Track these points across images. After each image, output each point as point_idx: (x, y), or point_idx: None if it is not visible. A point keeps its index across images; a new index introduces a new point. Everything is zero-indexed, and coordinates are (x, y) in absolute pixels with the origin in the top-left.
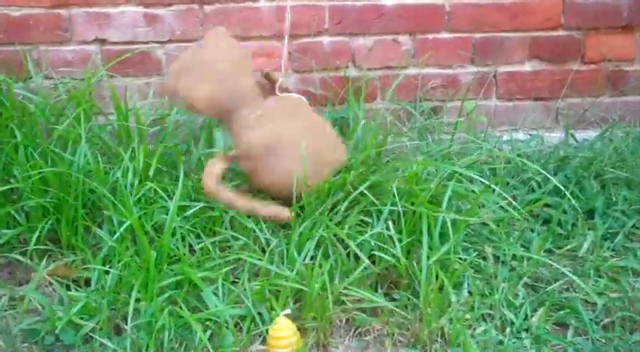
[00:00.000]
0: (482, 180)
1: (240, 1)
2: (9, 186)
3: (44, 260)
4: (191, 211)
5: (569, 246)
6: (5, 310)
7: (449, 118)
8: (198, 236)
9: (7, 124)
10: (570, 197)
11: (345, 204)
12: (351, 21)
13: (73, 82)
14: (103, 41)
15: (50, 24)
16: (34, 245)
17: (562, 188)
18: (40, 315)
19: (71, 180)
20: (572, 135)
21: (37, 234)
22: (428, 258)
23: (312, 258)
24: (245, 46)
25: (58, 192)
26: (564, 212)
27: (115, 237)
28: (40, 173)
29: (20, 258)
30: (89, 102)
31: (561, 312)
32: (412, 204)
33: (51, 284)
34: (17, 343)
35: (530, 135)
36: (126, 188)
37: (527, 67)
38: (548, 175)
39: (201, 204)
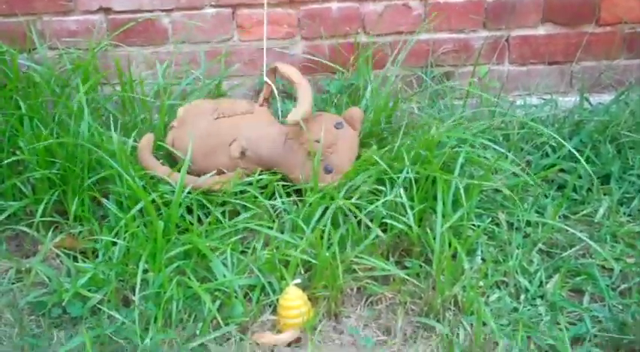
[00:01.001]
0: (495, 146)
1: None
2: (15, 158)
3: (51, 231)
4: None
5: (584, 212)
6: (12, 283)
7: (461, 84)
8: (206, 206)
9: (11, 96)
10: (585, 162)
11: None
12: None
13: (78, 52)
14: (107, 10)
15: None
16: (41, 217)
17: (576, 153)
18: (47, 288)
19: (77, 151)
20: (587, 99)
21: (43, 205)
22: (441, 225)
23: (323, 227)
24: (252, 13)
25: (64, 162)
26: (579, 177)
27: (121, 207)
28: (46, 144)
29: (27, 229)
30: (95, 72)
31: (577, 278)
32: (425, 170)
33: (58, 256)
34: (24, 316)
35: (544, 99)
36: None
37: (541, 30)
38: (562, 141)
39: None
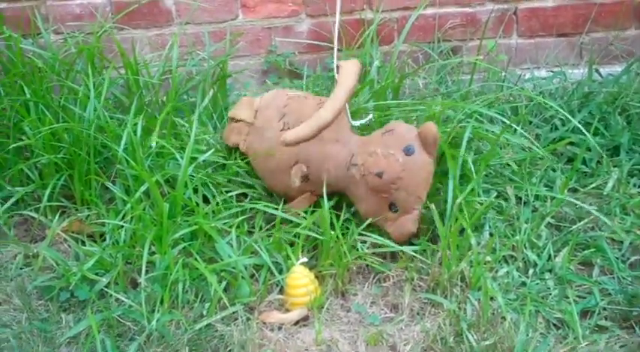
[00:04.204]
0: (503, 119)
1: None
2: (21, 143)
3: (58, 216)
4: (203, 158)
5: (594, 184)
6: (21, 268)
7: (469, 58)
8: (213, 186)
9: (15, 81)
10: (594, 134)
11: None
12: None
13: (83, 36)
14: None
15: None
16: (48, 201)
17: (582, 129)
18: (55, 272)
19: (82, 135)
20: (597, 71)
21: (49, 190)
22: (452, 200)
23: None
24: None
25: (69, 147)
26: (588, 149)
27: (128, 191)
28: (50, 129)
29: (34, 214)
30: (100, 55)
31: (586, 252)
32: None
33: (66, 240)
34: (32, 300)
35: (552, 72)
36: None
37: (550, 2)
38: (567, 115)
39: (212, 151)
